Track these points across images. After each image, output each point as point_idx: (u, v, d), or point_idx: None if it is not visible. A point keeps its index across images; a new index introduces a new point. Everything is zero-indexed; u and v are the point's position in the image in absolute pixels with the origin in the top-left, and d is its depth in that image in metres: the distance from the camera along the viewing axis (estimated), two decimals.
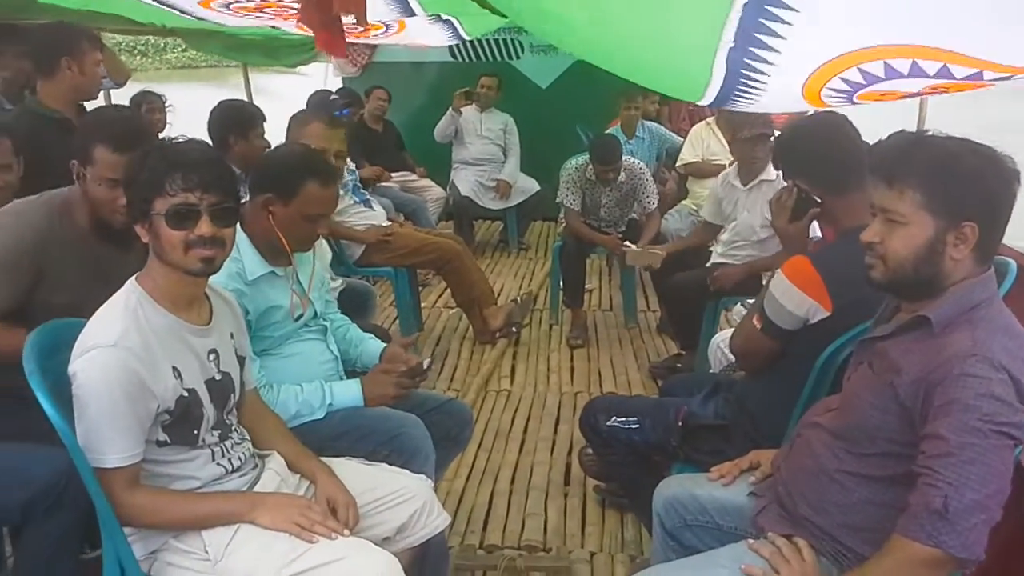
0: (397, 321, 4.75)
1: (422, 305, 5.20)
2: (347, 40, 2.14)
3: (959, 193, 1.50)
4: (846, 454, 1.67)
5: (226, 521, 1.73)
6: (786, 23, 1.47)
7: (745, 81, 1.75)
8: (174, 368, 1.71)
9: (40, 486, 1.87)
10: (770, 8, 1.45)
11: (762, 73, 1.68)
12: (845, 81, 1.67)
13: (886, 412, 1.58)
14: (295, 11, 3.11)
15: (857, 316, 1.95)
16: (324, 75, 6.40)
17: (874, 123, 2.25)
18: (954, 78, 1.56)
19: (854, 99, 1.80)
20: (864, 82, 1.66)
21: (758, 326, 2.14)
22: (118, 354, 1.61)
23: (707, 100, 1.99)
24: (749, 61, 1.64)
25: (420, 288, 5.25)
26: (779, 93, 1.81)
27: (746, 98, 1.88)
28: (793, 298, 2.04)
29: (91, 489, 1.64)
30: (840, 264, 2.00)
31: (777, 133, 5.02)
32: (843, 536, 1.66)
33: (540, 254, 6.89)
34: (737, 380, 2.42)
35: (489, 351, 4.64)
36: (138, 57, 29.30)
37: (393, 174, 6.31)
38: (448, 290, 4.84)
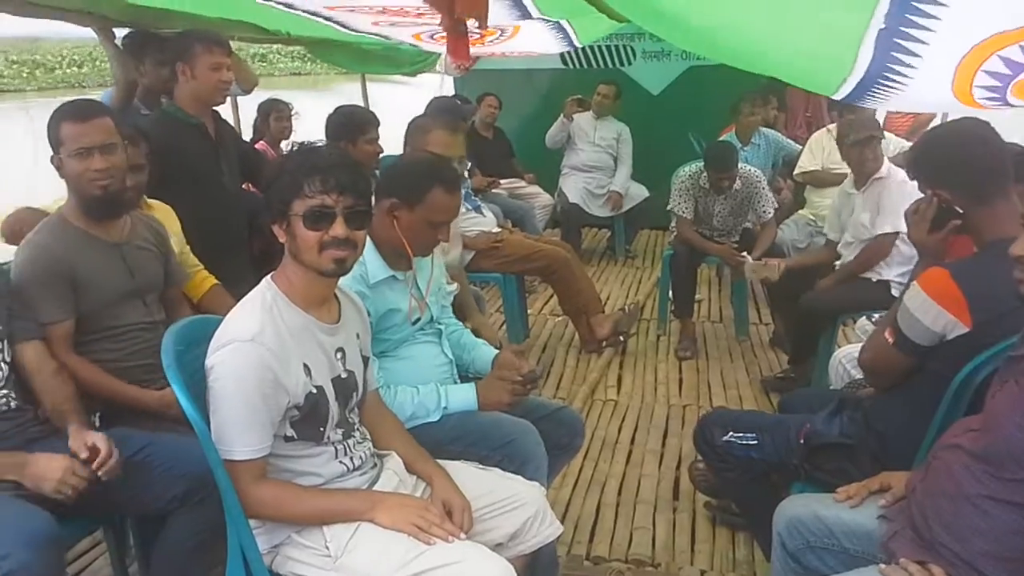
0: (504, 327, 4.78)
1: (528, 312, 5.21)
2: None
3: None
4: (989, 478, 1.58)
5: (346, 518, 1.76)
6: (941, 4, 1.40)
7: (892, 70, 1.67)
8: (305, 365, 1.75)
9: (194, 478, 1.96)
10: None
11: (913, 55, 1.59)
12: (1005, 62, 1.57)
13: None
14: (416, 12, 3.18)
15: (1000, 333, 1.84)
16: (439, 83, 6.46)
17: (1015, 130, 2.13)
18: None
19: (1009, 95, 1.69)
20: None
21: (891, 341, 2.05)
22: (255, 349, 1.66)
23: (842, 93, 1.91)
24: (900, 41, 1.56)
25: (526, 295, 5.27)
26: (927, 86, 1.72)
27: (886, 92, 1.80)
28: (930, 312, 1.94)
29: (220, 482, 1.70)
30: (983, 277, 1.90)
31: (894, 137, 4.90)
32: (983, 565, 1.57)
33: (648, 263, 6.83)
34: (864, 398, 2.31)
35: (595, 360, 4.61)
36: (309, 63, 30.01)
37: (502, 181, 6.34)
38: (554, 297, 4.86)
